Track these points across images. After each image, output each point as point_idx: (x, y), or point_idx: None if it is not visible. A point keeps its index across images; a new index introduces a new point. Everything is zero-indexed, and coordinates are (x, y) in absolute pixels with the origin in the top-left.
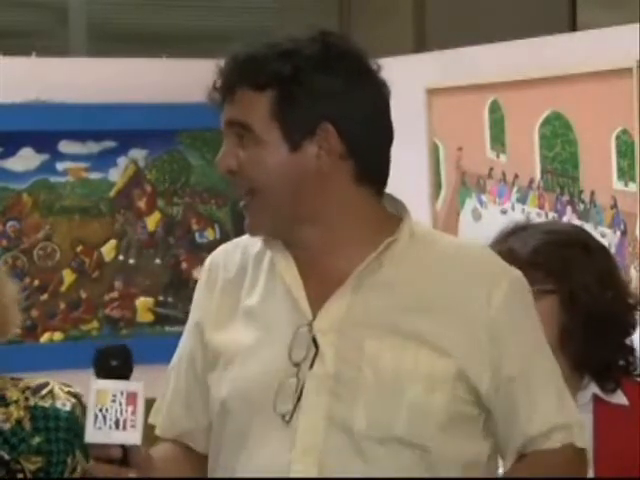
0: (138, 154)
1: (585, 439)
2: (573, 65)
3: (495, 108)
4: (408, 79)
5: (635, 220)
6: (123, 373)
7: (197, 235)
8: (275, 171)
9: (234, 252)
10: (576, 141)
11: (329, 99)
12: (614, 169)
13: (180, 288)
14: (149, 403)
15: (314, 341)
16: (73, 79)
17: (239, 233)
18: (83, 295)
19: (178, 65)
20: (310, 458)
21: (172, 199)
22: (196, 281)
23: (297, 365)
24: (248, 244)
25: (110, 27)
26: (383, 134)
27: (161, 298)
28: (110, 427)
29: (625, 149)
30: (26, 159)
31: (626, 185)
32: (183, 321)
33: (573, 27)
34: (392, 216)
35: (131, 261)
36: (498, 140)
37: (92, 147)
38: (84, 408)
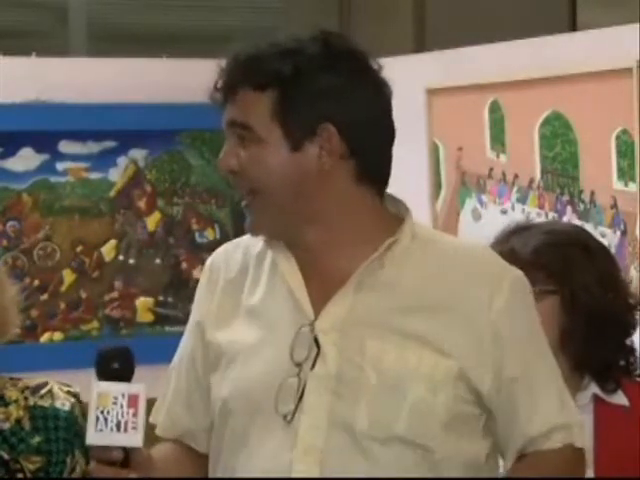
0: (138, 154)
1: (584, 439)
2: (573, 65)
3: (495, 108)
4: (408, 79)
5: (635, 220)
6: (124, 375)
7: (197, 235)
8: (276, 171)
9: (235, 252)
10: (576, 141)
11: (330, 99)
12: (614, 169)
13: (180, 288)
14: (150, 403)
15: (316, 341)
16: (73, 79)
17: (239, 233)
18: (83, 295)
19: (178, 65)
20: (311, 458)
21: (172, 199)
22: (196, 281)
23: (299, 365)
24: (249, 244)
25: (110, 27)
26: (384, 134)
27: (161, 298)
28: (111, 429)
29: (625, 149)
30: (26, 159)
31: (626, 185)
32: (183, 321)
33: (573, 27)
34: (393, 216)
35: (131, 261)
36: (498, 140)
37: (92, 147)
38: (83, 408)
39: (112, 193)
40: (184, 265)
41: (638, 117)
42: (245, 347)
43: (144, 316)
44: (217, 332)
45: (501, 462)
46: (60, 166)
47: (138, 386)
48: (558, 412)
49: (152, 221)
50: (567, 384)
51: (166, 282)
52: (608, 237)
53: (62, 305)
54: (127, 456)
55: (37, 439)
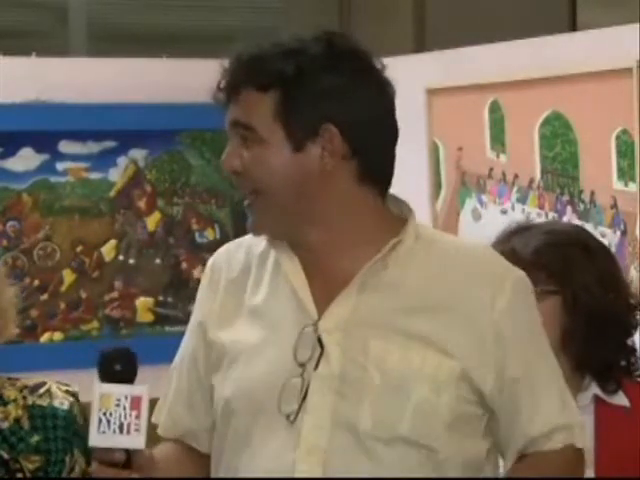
0: (138, 154)
1: (584, 440)
2: (573, 65)
3: (495, 108)
4: (408, 79)
5: (635, 220)
6: (127, 377)
7: (197, 235)
8: (278, 172)
9: (237, 252)
10: (576, 141)
11: (332, 99)
12: (614, 169)
13: (180, 288)
14: (151, 403)
15: (319, 341)
16: (73, 79)
17: (239, 233)
18: (83, 295)
19: (178, 65)
20: (315, 458)
21: (172, 199)
22: (196, 281)
23: (302, 365)
24: (252, 243)
25: (110, 27)
26: (387, 134)
27: (161, 298)
28: (114, 431)
29: (625, 149)
30: (26, 159)
31: (626, 185)
32: (183, 321)
33: (573, 27)
34: (395, 217)
35: (131, 261)
36: (498, 140)
37: (92, 147)
38: (82, 407)
39: (112, 193)
40: (184, 265)
41: (638, 117)
42: (248, 347)
43: (144, 316)
44: (220, 332)
45: (501, 462)
46: (60, 166)
47: (141, 388)
48: (559, 413)
49: (152, 221)
50: (568, 384)
51: (166, 282)
52: (608, 237)
53: (62, 305)
54: (129, 457)
55: (36, 438)
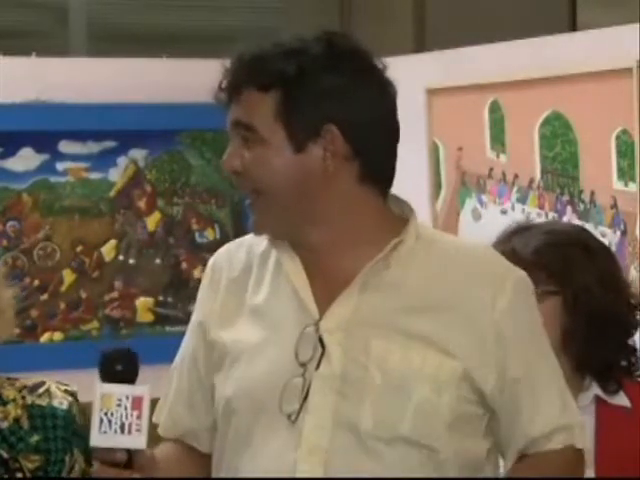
0: (138, 154)
1: (585, 440)
2: (573, 65)
3: (495, 108)
4: (408, 79)
5: (635, 220)
6: (128, 377)
7: (197, 235)
8: (280, 172)
9: (238, 251)
10: (576, 141)
11: (334, 99)
12: (614, 169)
13: (180, 288)
14: (151, 403)
15: (321, 341)
16: (73, 79)
17: (239, 233)
18: (83, 295)
19: (178, 65)
20: (316, 458)
21: (172, 199)
22: (196, 281)
23: (303, 365)
24: (253, 243)
25: (110, 27)
26: (389, 134)
27: (161, 298)
28: (115, 431)
29: (625, 149)
30: (26, 159)
31: (626, 185)
32: (183, 321)
33: (573, 27)
34: (397, 217)
35: (131, 261)
36: (498, 140)
37: (92, 147)
38: (81, 407)
39: (112, 193)
40: (184, 265)
41: (638, 117)
42: (249, 346)
43: (144, 316)
44: (221, 331)
45: (501, 462)
46: (60, 166)
47: (142, 388)
48: (560, 413)
49: (152, 221)
50: (569, 385)
51: (166, 282)
52: (608, 237)
53: (62, 305)
54: (130, 457)
55: (35, 438)
